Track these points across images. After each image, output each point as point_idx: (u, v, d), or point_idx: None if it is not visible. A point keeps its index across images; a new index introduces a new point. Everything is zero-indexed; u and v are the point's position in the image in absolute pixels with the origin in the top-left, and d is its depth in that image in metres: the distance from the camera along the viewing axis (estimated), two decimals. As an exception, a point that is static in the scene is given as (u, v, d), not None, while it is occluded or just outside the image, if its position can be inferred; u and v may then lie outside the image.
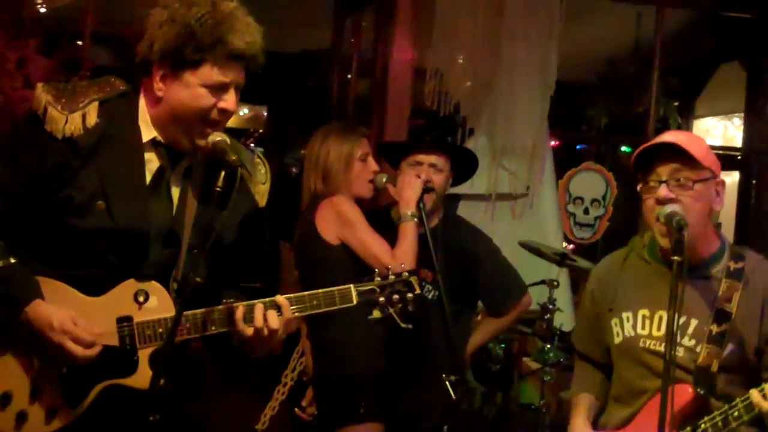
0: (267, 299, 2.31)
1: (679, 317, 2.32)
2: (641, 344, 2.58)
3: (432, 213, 3.44)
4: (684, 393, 2.51)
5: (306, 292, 2.37)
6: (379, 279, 2.42)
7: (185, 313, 2.22)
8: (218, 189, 2.18)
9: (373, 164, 3.44)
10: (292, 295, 2.35)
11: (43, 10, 5.52)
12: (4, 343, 2.20)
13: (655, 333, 2.58)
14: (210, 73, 2.19)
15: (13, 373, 2.20)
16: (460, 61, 5.07)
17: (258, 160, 2.47)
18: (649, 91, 6.16)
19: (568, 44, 5.08)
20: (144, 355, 2.24)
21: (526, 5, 4.94)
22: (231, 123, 2.39)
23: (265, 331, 2.27)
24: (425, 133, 3.54)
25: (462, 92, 5.05)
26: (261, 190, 2.46)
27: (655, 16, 5.87)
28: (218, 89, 2.22)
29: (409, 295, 2.43)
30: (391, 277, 2.43)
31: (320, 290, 2.37)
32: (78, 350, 2.14)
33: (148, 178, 2.28)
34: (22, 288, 2.17)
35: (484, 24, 4.96)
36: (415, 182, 3.32)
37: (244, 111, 10.65)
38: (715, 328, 2.52)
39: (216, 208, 2.19)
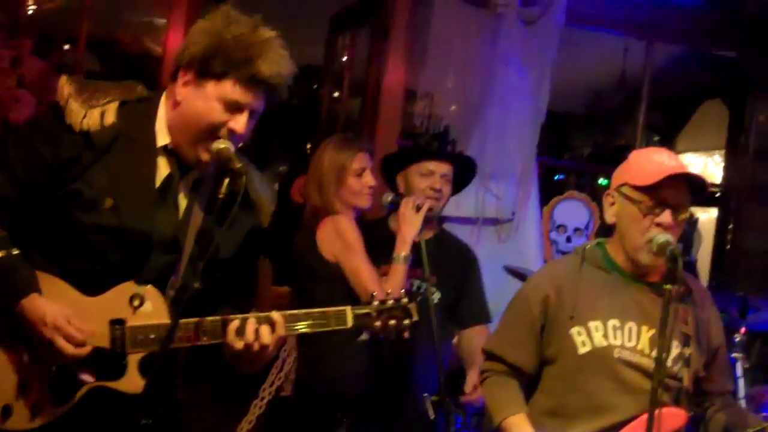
0: (262, 314, 2.30)
1: (665, 342, 2.37)
2: (616, 354, 2.59)
3: (428, 224, 3.45)
4: (678, 417, 2.55)
5: (302, 310, 2.36)
6: (377, 303, 2.40)
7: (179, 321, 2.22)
8: (221, 196, 2.19)
9: (369, 179, 3.43)
10: (287, 312, 2.34)
11: (32, 8, 5.50)
12: None
13: (627, 344, 2.61)
14: (230, 89, 2.21)
15: (1, 367, 2.19)
16: (451, 84, 5.12)
17: (265, 180, 2.49)
18: (633, 124, 6.24)
19: (554, 74, 5.15)
20: (133, 360, 2.24)
21: (520, 33, 5.00)
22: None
23: (256, 346, 2.26)
24: (431, 143, 3.58)
25: (452, 115, 5.09)
26: (266, 211, 2.46)
27: (645, 50, 5.95)
28: (233, 108, 2.23)
29: (406, 321, 2.41)
30: (390, 302, 2.41)
31: (316, 309, 2.36)
32: (68, 348, 2.14)
33: (157, 183, 2.29)
34: (22, 280, 2.17)
35: (477, 48, 5.01)
36: (415, 219, 3.32)
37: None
38: (686, 351, 2.58)
39: (217, 217, 2.21)
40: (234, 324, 2.26)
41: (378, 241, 3.41)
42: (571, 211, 5.63)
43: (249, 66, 2.19)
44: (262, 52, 2.20)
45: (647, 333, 2.61)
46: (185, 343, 2.26)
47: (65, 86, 2.24)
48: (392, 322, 2.40)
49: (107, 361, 2.22)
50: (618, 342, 2.61)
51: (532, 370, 2.74)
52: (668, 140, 8.28)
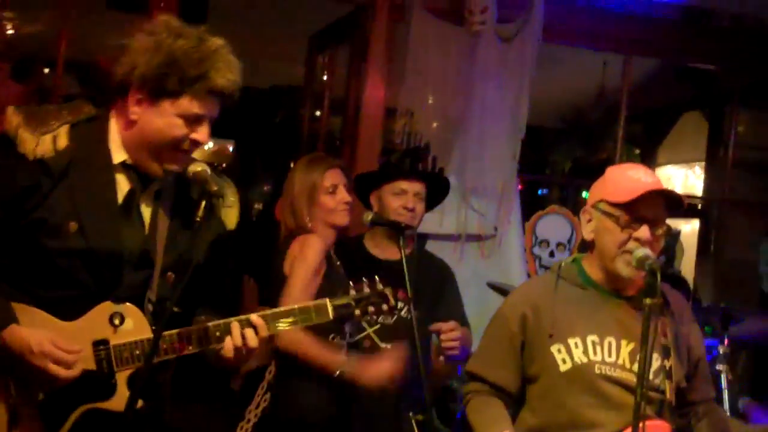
0: (242, 317, 2.32)
1: (647, 354, 2.36)
2: (597, 370, 2.58)
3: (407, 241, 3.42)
4: (661, 430, 2.54)
5: (282, 308, 2.39)
6: (354, 293, 2.45)
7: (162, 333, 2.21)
8: (198, 219, 2.21)
9: (344, 195, 3.36)
10: (267, 311, 2.37)
11: (10, 31, 5.48)
12: None
13: (607, 359, 2.60)
14: (188, 105, 2.21)
15: None
16: (431, 101, 5.13)
17: (226, 185, 2.47)
18: (613, 138, 6.28)
19: (534, 90, 5.18)
20: (122, 377, 2.25)
21: (498, 50, 5.03)
22: (196, 157, 2.41)
23: (244, 350, 2.29)
24: (402, 161, 3.57)
25: (432, 132, 5.10)
26: (229, 214, 2.47)
27: (623, 64, 5.99)
28: (193, 121, 2.24)
29: (384, 306, 2.46)
30: (366, 290, 2.46)
31: (296, 305, 2.39)
32: (61, 371, 2.14)
33: (120, 200, 2.29)
34: None
35: (455, 66, 5.03)
36: None
37: (209, 145, 10.63)
38: (667, 363, 2.57)
39: (193, 237, 2.23)
40: (219, 332, 2.28)
41: (353, 260, 3.38)
42: (554, 225, 5.63)
43: (204, 81, 2.20)
44: (214, 63, 2.21)
45: (627, 347, 2.61)
46: (171, 355, 2.26)
47: (13, 117, 2.23)
48: (371, 308, 2.45)
49: (96, 382, 2.22)
50: (598, 358, 2.60)
51: (515, 389, 2.73)
52: (649, 153, 8.33)
